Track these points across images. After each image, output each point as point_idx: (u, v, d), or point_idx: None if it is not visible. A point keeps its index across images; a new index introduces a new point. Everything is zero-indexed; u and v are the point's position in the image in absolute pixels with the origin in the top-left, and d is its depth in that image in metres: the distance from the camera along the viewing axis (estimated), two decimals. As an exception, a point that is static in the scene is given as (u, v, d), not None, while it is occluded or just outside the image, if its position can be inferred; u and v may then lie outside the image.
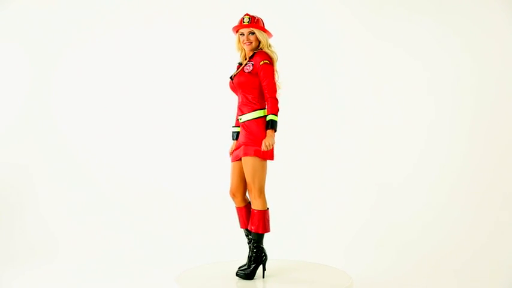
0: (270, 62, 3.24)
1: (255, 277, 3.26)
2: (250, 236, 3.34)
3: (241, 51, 3.38)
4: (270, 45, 3.31)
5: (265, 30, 3.29)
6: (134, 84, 5.39)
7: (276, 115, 3.19)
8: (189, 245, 4.71)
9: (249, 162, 3.21)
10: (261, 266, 3.30)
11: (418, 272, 4.14)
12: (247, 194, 3.39)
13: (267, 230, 3.28)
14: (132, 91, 5.39)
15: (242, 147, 3.24)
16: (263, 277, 3.30)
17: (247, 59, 3.31)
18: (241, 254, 4.15)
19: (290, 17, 5.25)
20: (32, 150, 5.33)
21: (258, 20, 3.30)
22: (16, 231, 4.97)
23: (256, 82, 3.23)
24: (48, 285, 4.04)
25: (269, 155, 3.21)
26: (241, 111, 3.30)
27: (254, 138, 3.21)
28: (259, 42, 3.29)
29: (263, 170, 3.22)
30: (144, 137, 5.35)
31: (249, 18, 3.27)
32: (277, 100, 3.21)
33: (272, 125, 3.17)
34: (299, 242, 4.69)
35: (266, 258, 3.29)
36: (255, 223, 3.25)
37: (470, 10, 4.98)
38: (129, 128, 5.37)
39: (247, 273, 3.25)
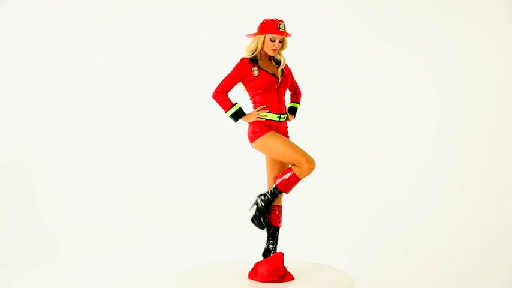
0: None
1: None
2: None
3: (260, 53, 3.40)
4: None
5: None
6: (135, 83, 5.38)
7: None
8: (189, 245, 4.70)
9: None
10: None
11: (422, 275, 4.11)
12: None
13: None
14: (132, 90, 5.38)
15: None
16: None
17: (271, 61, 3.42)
18: (242, 253, 4.15)
19: (290, 17, 5.23)
20: (31, 150, 5.32)
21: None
22: (16, 231, 4.96)
23: None
24: (48, 285, 4.03)
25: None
26: (285, 107, 3.48)
27: None
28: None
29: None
30: (144, 136, 5.34)
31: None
32: None
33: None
34: (301, 243, 4.67)
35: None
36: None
37: (471, 9, 4.95)
38: (129, 128, 5.36)
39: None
